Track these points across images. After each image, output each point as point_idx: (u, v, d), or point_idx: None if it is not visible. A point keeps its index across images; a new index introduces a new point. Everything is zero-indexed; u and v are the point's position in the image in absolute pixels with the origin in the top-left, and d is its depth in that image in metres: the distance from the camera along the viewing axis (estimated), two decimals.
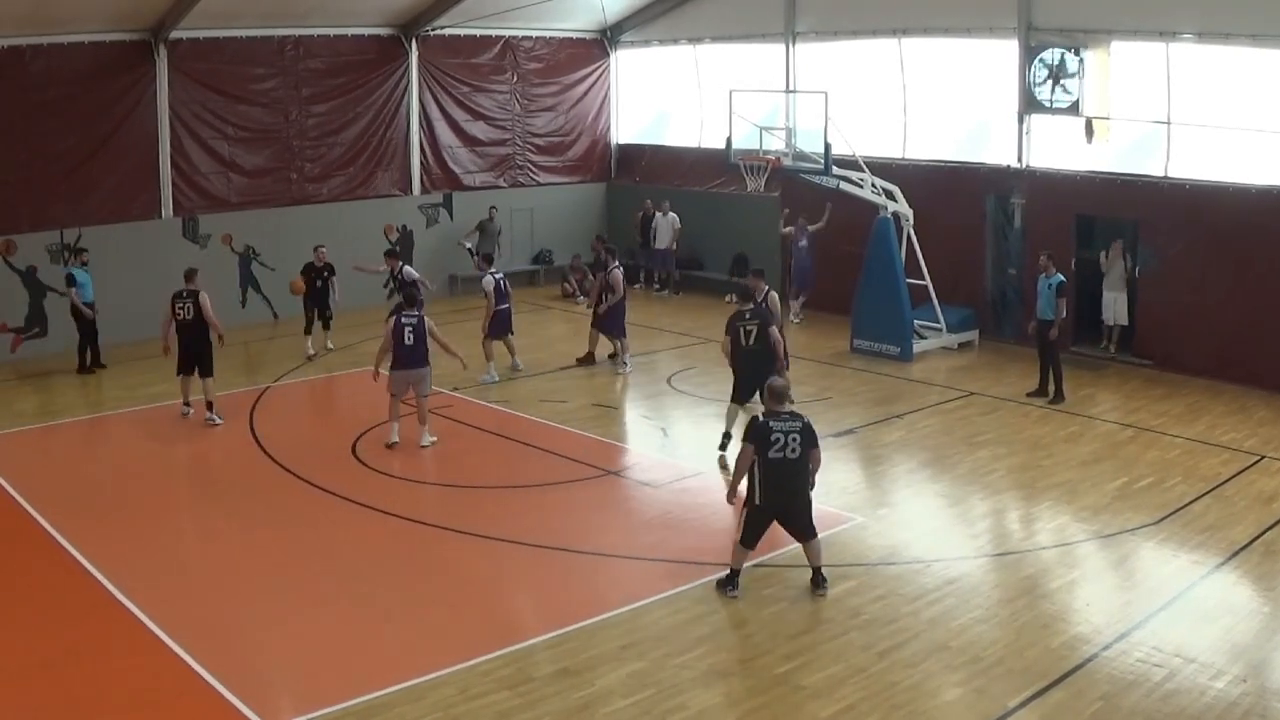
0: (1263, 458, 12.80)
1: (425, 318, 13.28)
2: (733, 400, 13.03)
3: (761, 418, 9.28)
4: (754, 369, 12.43)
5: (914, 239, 17.78)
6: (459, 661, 8.29)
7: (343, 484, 12.06)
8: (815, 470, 9.35)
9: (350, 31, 20.88)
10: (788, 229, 20.11)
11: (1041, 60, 17.37)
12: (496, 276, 16.23)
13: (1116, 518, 11.09)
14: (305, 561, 10.27)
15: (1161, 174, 16.57)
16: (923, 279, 17.73)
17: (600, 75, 24.60)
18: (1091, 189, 17.23)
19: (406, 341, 13.05)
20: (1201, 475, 12.22)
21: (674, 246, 22.52)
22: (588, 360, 17.09)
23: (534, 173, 23.90)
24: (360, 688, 7.91)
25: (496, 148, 23.25)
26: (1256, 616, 9.10)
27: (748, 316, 12.93)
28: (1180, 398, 15.25)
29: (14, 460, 13.09)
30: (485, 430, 14.11)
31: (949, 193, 18.62)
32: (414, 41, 21.62)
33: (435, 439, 13.34)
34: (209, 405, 14.16)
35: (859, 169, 17.24)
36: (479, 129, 22.96)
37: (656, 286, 23.08)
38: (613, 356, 17.11)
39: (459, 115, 22.61)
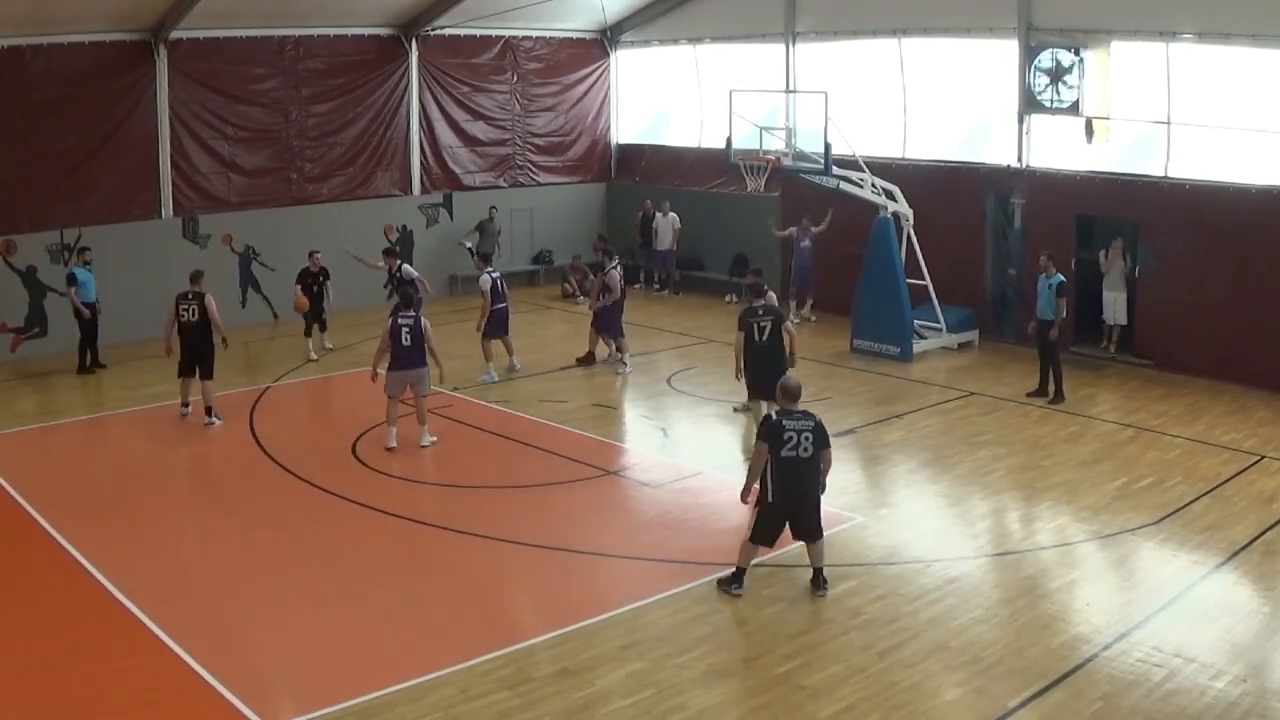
0: (1263, 458, 12.80)
1: (422, 318, 13.26)
2: (750, 398, 13.29)
3: (775, 416, 9.30)
4: (767, 365, 12.66)
5: (914, 239, 17.78)
6: (459, 661, 8.29)
7: (343, 484, 12.06)
8: (826, 471, 9.35)
9: (350, 31, 20.88)
10: (785, 231, 20.06)
11: (1041, 60, 17.37)
12: (494, 276, 16.22)
13: (1116, 518, 11.09)
14: (305, 561, 10.27)
15: (1161, 174, 16.57)
16: (923, 279, 17.73)
17: (600, 75, 24.60)
18: (1091, 189, 17.23)
19: (404, 342, 13.04)
20: (1201, 475, 12.22)
21: (674, 247, 22.53)
22: (588, 360, 17.09)
23: (534, 173, 23.90)
24: (360, 688, 7.91)
25: (496, 148, 23.25)
26: (1256, 616, 9.10)
27: (760, 313, 13.17)
28: (1180, 398, 15.25)
29: (14, 460, 13.09)
30: (485, 430, 14.11)
31: (949, 193, 18.62)
32: (414, 41, 21.62)
33: (435, 439, 13.33)
34: (208, 409, 14.15)
35: (859, 169, 17.24)
36: (479, 129, 22.96)
37: (656, 287, 23.08)
38: (613, 355, 17.10)
39: (459, 115, 22.61)
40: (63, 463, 13.40)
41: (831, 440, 9.43)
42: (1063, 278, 14.88)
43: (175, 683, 8.10)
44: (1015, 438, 13.69)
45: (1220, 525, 10.84)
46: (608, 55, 24.62)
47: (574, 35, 23.99)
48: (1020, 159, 18.18)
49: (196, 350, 14.06)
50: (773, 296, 14.11)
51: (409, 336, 13.02)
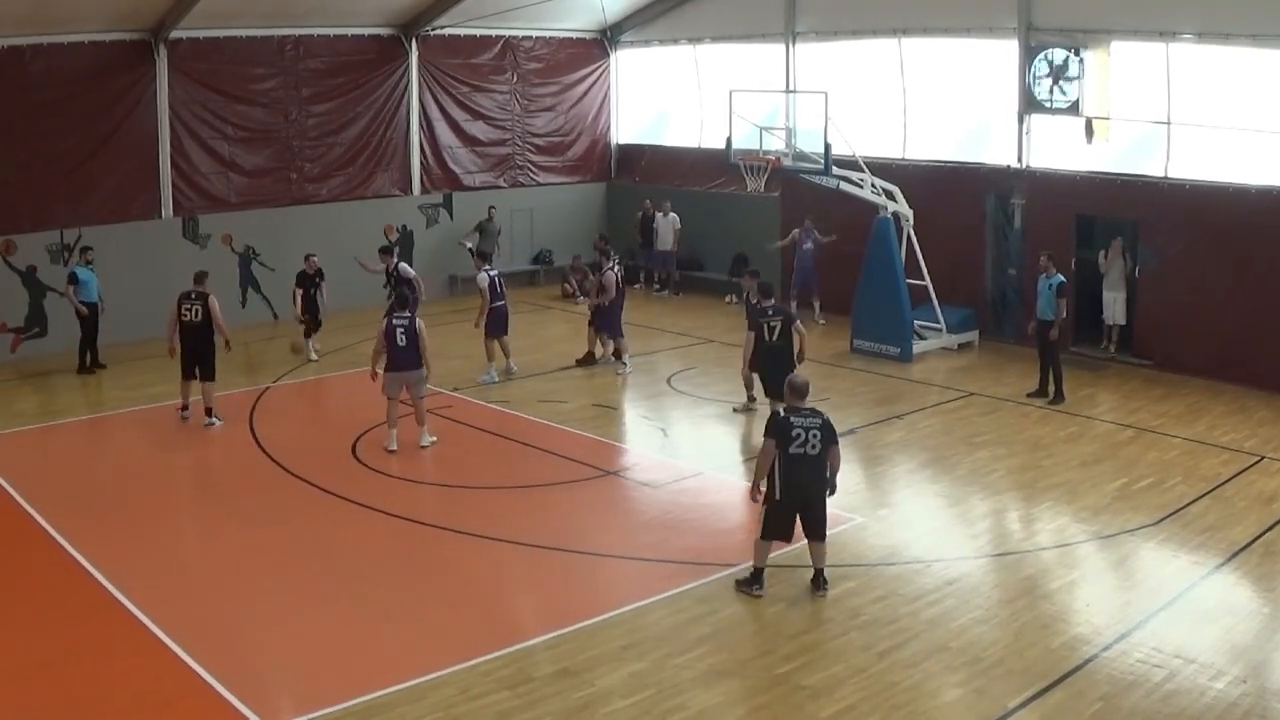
0: (1263, 458, 12.80)
1: (418, 319, 13.19)
2: (767, 395, 13.31)
3: (782, 413, 9.31)
4: (777, 364, 12.77)
5: (914, 239, 17.78)
6: (459, 661, 8.29)
7: (343, 484, 12.05)
8: (836, 470, 9.34)
9: (350, 31, 20.88)
10: (786, 239, 19.91)
11: (1041, 60, 17.36)
12: (491, 274, 16.21)
13: (1116, 518, 11.09)
14: (305, 561, 10.27)
15: (1161, 174, 16.57)
16: (923, 279, 17.73)
17: (600, 75, 24.60)
18: (1091, 189, 17.23)
19: (399, 343, 12.99)
20: (1201, 475, 12.22)
21: (676, 248, 22.53)
22: (587, 360, 17.10)
23: (534, 173, 23.90)
24: (360, 688, 7.91)
25: (496, 148, 23.25)
26: (1256, 617, 9.10)
27: (770, 313, 13.34)
28: (1180, 398, 15.25)
29: (14, 460, 13.08)
30: (485, 430, 14.11)
31: (949, 193, 18.62)
32: (414, 41, 21.62)
33: (435, 439, 13.33)
34: (208, 410, 14.13)
35: (859, 169, 17.24)
36: (479, 129, 22.96)
37: (656, 287, 23.08)
38: (618, 354, 17.08)
39: (459, 115, 22.61)
40: (63, 463, 13.40)
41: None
42: (1063, 278, 14.88)
43: (176, 683, 8.10)
44: (1015, 438, 13.69)
45: (1220, 525, 10.84)
46: (608, 55, 24.61)
47: (574, 35, 23.98)
48: (1020, 159, 18.18)
49: (198, 351, 14.01)
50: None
51: (404, 337, 12.98)
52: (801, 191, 19.27)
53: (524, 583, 9.98)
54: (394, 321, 13.08)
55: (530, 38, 23.24)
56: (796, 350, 13.47)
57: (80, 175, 18.19)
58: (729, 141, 17.64)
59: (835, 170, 16.85)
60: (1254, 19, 15.17)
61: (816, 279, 19.69)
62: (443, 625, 9.06)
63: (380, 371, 13.39)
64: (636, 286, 22.56)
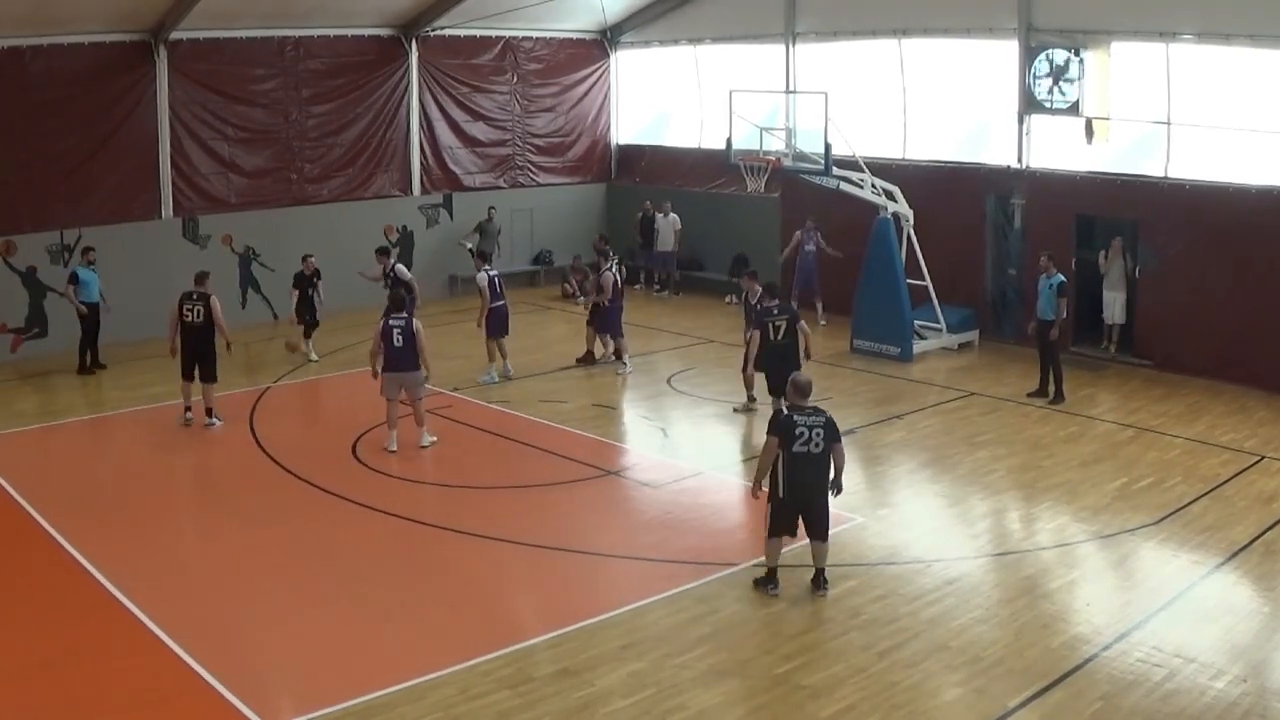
0: (1263, 458, 12.80)
1: (414, 320, 13.14)
2: (770, 394, 13.38)
3: (785, 411, 9.31)
4: (783, 363, 12.86)
5: (914, 239, 17.78)
6: (459, 661, 8.29)
7: (343, 484, 12.05)
8: (841, 468, 9.33)
9: (350, 32, 20.88)
10: (792, 244, 19.84)
11: (1041, 60, 17.36)
12: (491, 274, 16.20)
13: (1116, 518, 11.09)
14: (305, 561, 10.27)
15: (1161, 174, 16.57)
16: (923, 279, 17.72)
17: (600, 76, 24.60)
18: (1091, 189, 17.23)
19: (395, 344, 12.95)
20: (1201, 475, 12.22)
21: (677, 248, 22.53)
22: (587, 360, 17.10)
23: (534, 173, 23.90)
24: (360, 688, 7.91)
25: (496, 148, 23.25)
26: (1256, 616, 9.10)
27: (776, 312, 13.50)
28: (1180, 398, 15.25)
29: (14, 460, 13.09)
30: (485, 430, 14.11)
31: (949, 193, 18.62)
32: (414, 42, 21.62)
33: (435, 439, 13.32)
34: (209, 410, 14.12)
35: (859, 169, 17.24)
36: (479, 129, 22.96)
37: (656, 287, 23.08)
38: (618, 354, 17.09)
39: (459, 116, 22.61)
40: (63, 463, 13.40)
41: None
42: (1063, 278, 14.88)
43: (175, 683, 8.10)
44: (1015, 438, 13.69)
45: (1220, 525, 10.84)
46: (608, 56, 24.62)
47: (574, 36, 23.99)
48: (1020, 159, 18.17)
49: (199, 351, 13.95)
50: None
51: (400, 338, 12.95)
52: (801, 192, 19.26)
53: (524, 583, 9.98)
54: (390, 322, 13.06)
55: (530, 38, 23.24)
56: (803, 349, 13.51)
57: (80, 175, 18.19)
58: (729, 142, 17.65)
59: (835, 170, 16.85)
60: (1254, 19, 15.17)
61: (818, 280, 19.65)
62: (443, 625, 9.06)
63: (380, 371, 13.38)
64: (636, 287, 22.57)
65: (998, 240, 18.50)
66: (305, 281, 17.45)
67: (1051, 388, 15.05)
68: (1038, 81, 17.46)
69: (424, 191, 22.33)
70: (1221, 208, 15.78)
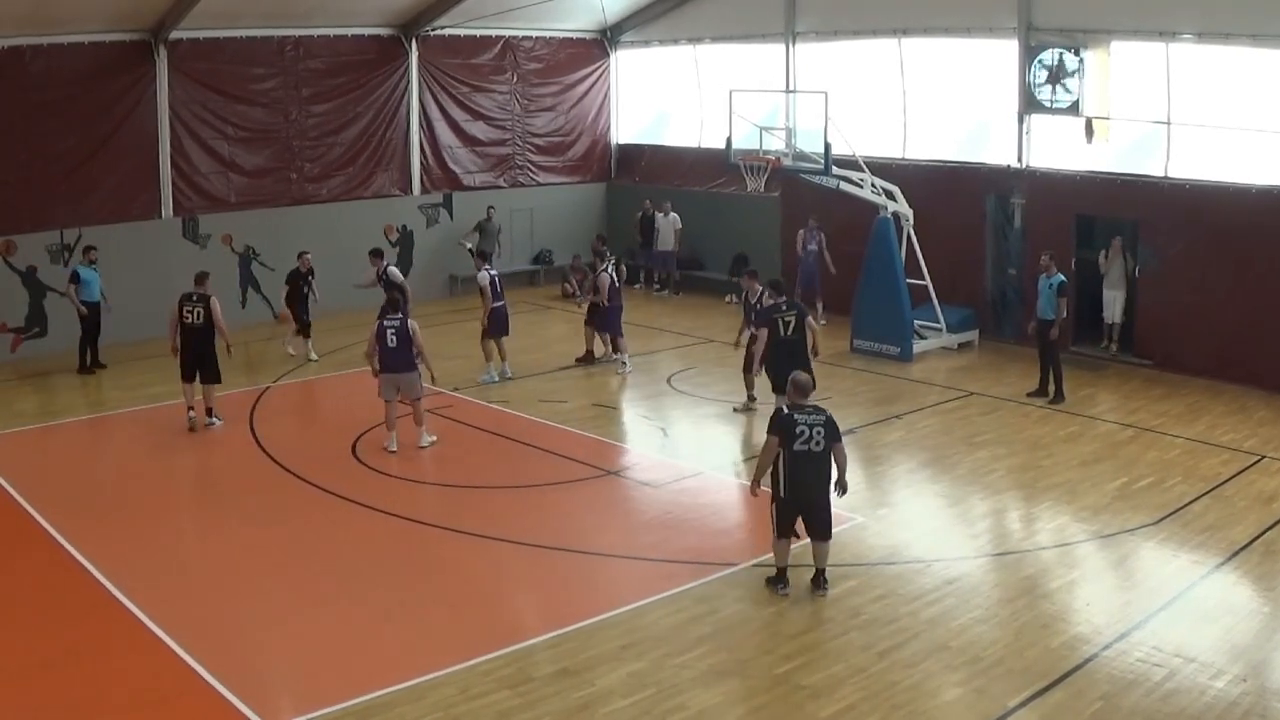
0: (1263, 458, 12.80)
1: (410, 321, 13.11)
2: (774, 391, 13.41)
3: (785, 410, 9.32)
4: (791, 359, 12.84)
5: (914, 239, 17.78)
6: (459, 661, 8.29)
7: (343, 484, 12.05)
8: (844, 468, 9.33)
9: (350, 31, 20.88)
10: (799, 247, 19.84)
11: (1041, 60, 17.37)
12: (491, 273, 16.21)
13: (1116, 518, 11.09)
14: (305, 561, 10.27)
15: (1161, 174, 16.57)
16: (923, 279, 17.73)
17: (600, 75, 24.60)
18: (1091, 189, 17.23)
19: (389, 344, 12.93)
20: (1201, 475, 12.22)
21: (677, 248, 22.53)
22: (587, 360, 17.11)
23: (534, 173, 23.90)
24: (360, 688, 7.91)
25: (496, 148, 23.25)
26: (1256, 616, 9.10)
27: (785, 308, 13.55)
28: (1180, 398, 15.25)
29: (14, 460, 13.09)
30: (485, 430, 14.11)
31: (949, 193, 18.62)
32: (414, 41, 21.62)
33: (435, 439, 13.32)
34: (209, 410, 14.11)
35: (859, 169, 17.24)
36: (479, 129, 22.96)
37: (657, 286, 23.08)
38: (615, 349, 17.08)
39: (459, 115, 22.61)
40: (63, 463, 13.40)
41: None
42: (1063, 277, 14.88)
43: (175, 682, 8.10)
44: (1015, 438, 13.69)
45: (1220, 525, 10.84)
46: (608, 55, 24.61)
47: (574, 35, 23.98)
48: (1020, 159, 18.17)
49: (200, 353, 13.88)
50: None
51: (394, 338, 12.91)
52: (801, 191, 19.27)
53: (524, 583, 9.98)
54: (384, 323, 13.03)
55: (530, 38, 23.24)
56: (810, 346, 13.53)
57: (80, 175, 18.18)
58: (729, 141, 17.65)
59: (835, 170, 16.85)
60: (1254, 19, 15.17)
61: (819, 280, 19.62)
62: (443, 625, 9.06)
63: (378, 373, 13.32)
64: (636, 286, 22.58)
65: (998, 240, 18.50)
66: (300, 278, 17.45)
67: (1051, 387, 15.06)
68: (1038, 81, 17.46)
69: (424, 191, 22.33)
70: (1221, 208, 15.78)
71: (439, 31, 21.84)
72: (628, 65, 24.74)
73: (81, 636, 8.79)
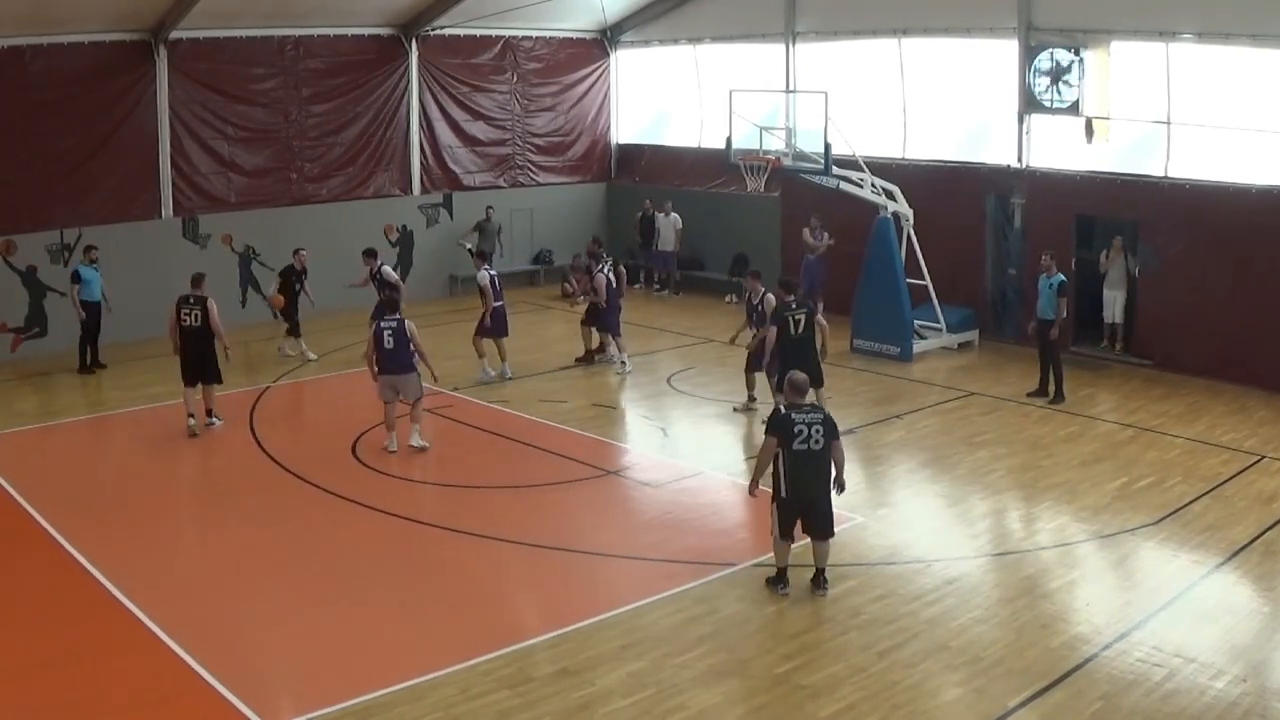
0: (1263, 458, 12.80)
1: (406, 322, 13.04)
2: (777, 391, 13.35)
3: (783, 410, 9.32)
4: (801, 357, 12.92)
5: (914, 239, 17.78)
6: (459, 661, 8.29)
7: (343, 484, 12.05)
8: (842, 465, 9.34)
9: (350, 31, 20.88)
10: (809, 246, 19.84)
11: (1041, 60, 17.37)
12: (491, 273, 16.20)
13: (1116, 518, 11.09)
14: (305, 561, 10.27)
15: (1161, 174, 16.57)
16: (923, 279, 17.73)
17: (600, 75, 24.60)
18: (1091, 189, 17.23)
19: (387, 346, 12.88)
20: (1201, 475, 12.22)
21: (678, 248, 22.53)
22: (587, 359, 17.11)
23: (534, 173, 23.90)
24: (360, 688, 7.91)
25: (496, 148, 23.25)
26: (1256, 616, 9.10)
27: (794, 306, 13.55)
28: (1180, 398, 15.25)
29: (14, 460, 13.09)
30: (485, 430, 14.11)
31: (949, 193, 18.62)
32: (414, 41, 21.62)
33: (426, 444, 13.10)
34: (209, 411, 14.09)
35: (859, 169, 17.24)
36: (479, 129, 22.96)
37: (656, 286, 23.09)
38: (601, 350, 17.07)
39: (459, 115, 22.61)
40: (63, 463, 13.40)
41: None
42: (1063, 277, 14.88)
43: (175, 682, 8.10)
44: (1015, 438, 13.69)
45: (1220, 525, 10.84)
46: (608, 55, 24.61)
47: (574, 35, 23.98)
48: (1020, 159, 18.17)
49: (200, 354, 13.82)
50: (771, 299, 14.25)
51: (392, 340, 12.86)
52: (801, 191, 19.27)
53: (524, 583, 9.98)
54: (381, 324, 13.00)
55: (530, 38, 23.24)
56: (820, 345, 13.54)
57: (80, 175, 18.19)
58: (729, 141, 17.65)
59: (835, 170, 16.86)
60: (1254, 19, 15.17)
61: (822, 279, 19.58)
62: (443, 625, 9.06)
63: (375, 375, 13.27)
64: (636, 286, 22.57)
65: (998, 240, 18.50)
66: (294, 276, 17.44)
67: (1051, 387, 15.06)
68: (1038, 81, 17.46)
69: (424, 191, 22.33)
70: (1221, 208, 15.78)
71: (439, 31, 21.85)
72: (628, 65, 24.74)
73: (81, 636, 8.79)
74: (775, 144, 17.24)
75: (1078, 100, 17.13)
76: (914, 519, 11.44)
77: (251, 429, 14.15)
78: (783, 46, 21.28)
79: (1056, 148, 17.81)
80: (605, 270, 16.92)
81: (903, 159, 19.57)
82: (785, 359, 13.32)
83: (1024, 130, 18.05)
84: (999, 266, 18.56)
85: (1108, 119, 17.12)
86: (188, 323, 13.81)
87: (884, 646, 8.55)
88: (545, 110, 23.87)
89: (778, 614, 9.14)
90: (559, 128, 24.15)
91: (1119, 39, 16.82)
